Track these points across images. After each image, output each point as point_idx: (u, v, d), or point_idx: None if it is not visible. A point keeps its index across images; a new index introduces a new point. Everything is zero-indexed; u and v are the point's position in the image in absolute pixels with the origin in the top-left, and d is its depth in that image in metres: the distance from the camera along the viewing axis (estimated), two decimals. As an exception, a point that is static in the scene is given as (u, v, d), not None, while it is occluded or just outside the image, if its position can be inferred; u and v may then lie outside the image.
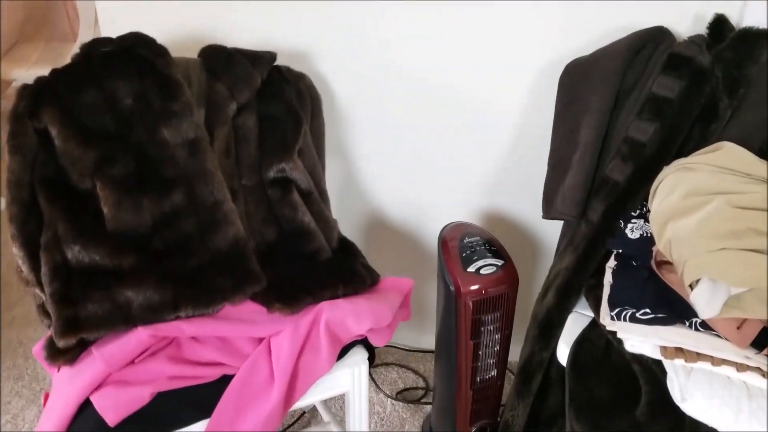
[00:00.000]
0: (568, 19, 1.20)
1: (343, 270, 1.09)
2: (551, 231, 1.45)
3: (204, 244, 1.00)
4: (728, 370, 0.91)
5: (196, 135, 1.04)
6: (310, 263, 1.11)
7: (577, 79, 1.15)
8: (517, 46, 1.25)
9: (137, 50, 1.06)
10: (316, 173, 1.21)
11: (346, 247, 1.18)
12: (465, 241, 1.17)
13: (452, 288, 1.14)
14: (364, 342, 1.05)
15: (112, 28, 1.38)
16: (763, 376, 0.90)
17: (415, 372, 1.66)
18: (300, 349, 0.95)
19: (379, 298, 1.05)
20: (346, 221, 1.50)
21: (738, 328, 0.90)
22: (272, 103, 1.16)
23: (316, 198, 1.16)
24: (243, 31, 1.33)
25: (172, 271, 0.96)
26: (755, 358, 0.89)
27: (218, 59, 1.15)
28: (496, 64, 1.28)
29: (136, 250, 0.95)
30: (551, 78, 1.21)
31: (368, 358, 1.06)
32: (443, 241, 1.20)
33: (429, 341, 1.70)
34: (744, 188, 0.92)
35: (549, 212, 1.18)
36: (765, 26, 1.05)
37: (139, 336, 0.89)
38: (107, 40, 1.08)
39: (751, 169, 0.95)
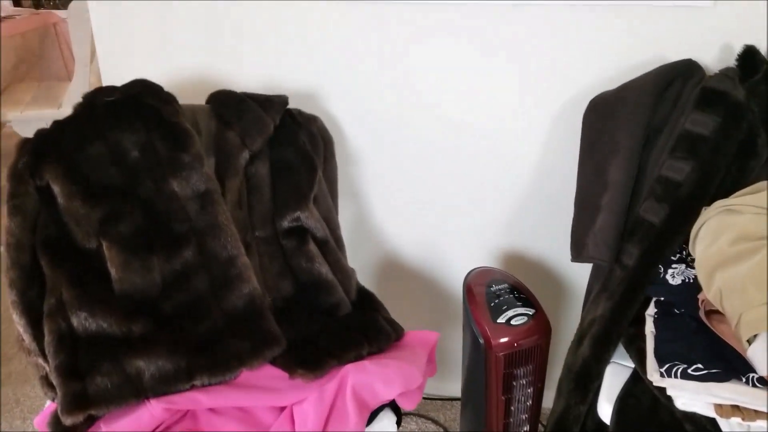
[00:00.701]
0: (591, 53, 1.16)
1: (366, 326, 1.03)
2: (579, 274, 1.39)
3: (218, 304, 0.94)
4: (789, 428, 0.85)
5: (207, 187, 0.98)
6: (330, 319, 1.04)
7: (604, 116, 1.10)
8: (538, 81, 1.21)
9: (144, 99, 1.01)
10: (332, 220, 1.15)
11: (366, 299, 1.12)
12: (492, 288, 1.12)
13: (481, 341, 1.08)
14: (392, 405, 0.98)
15: (112, 71, 1.34)
16: (827, 432, 0.84)
17: (435, 422, 1.58)
18: (326, 417, 0.88)
19: (406, 357, 0.98)
20: (360, 268, 1.44)
21: (798, 382, 0.84)
22: (285, 149, 1.11)
23: (333, 247, 1.10)
24: (250, 72, 1.29)
25: (184, 336, 0.90)
26: (819, 415, 0.83)
27: (228, 105, 1.10)
28: (516, 99, 1.24)
29: (146, 314, 0.89)
30: (575, 114, 1.17)
31: (395, 422, 0.99)
32: (468, 289, 1.14)
33: (448, 388, 1.62)
34: (795, 231, 0.87)
35: (579, 256, 1.12)
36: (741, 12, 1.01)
37: (152, 410, 0.82)
38: (111, 89, 1.03)
39: (798, 210, 0.90)
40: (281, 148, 1.12)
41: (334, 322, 1.04)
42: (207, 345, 0.90)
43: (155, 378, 0.84)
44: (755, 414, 0.87)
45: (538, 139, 1.27)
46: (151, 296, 0.90)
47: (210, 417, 0.85)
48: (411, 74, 1.26)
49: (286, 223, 1.08)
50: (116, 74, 1.34)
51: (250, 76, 1.29)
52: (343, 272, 1.09)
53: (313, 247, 1.07)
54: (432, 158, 1.34)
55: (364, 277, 1.46)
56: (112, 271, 0.89)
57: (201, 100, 1.16)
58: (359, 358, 0.96)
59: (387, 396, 0.92)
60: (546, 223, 1.36)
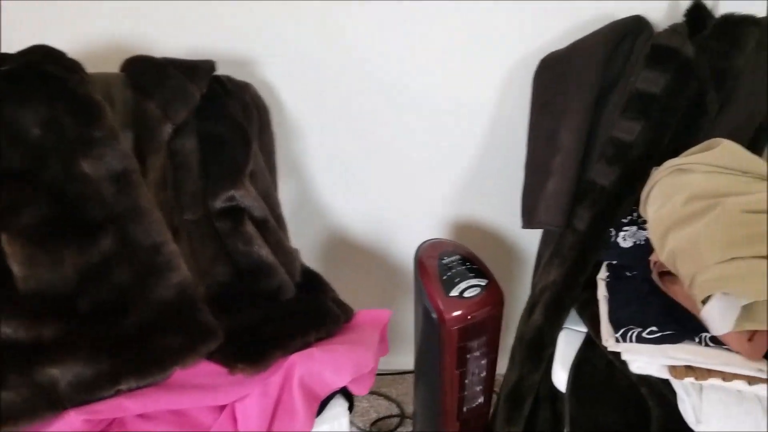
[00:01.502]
0: (539, 11, 1.11)
1: (312, 310, 0.95)
2: (530, 240, 1.36)
3: (144, 297, 0.84)
4: (739, 384, 0.85)
5: (124, 166, 0.87)
6: (273, 304, 0.97)
7: (554, 77, 1.06)
8: (486, 42, 1.15)
9: (44, 67, 0.88)
10: (271, 197, 1.06)
11: (311, 280, 1.04)
12: (444, 261, 1.06)
13: (434, 315, 1.03)
14: (343, 391, 0.92)
15: (11, 39, 1.17)
16: (776, 387, 0.84)
17: (388, 398, 1.54)
18: (272, 413, 0.81)
19: (357, 339, 0.92)
20: (306, 247, 1.36)
21: (749, 340, 0.83)
22: (214, 121, 1.00)
23: (273, 226, 1.02)
24: (171, 36, 1.16)
25: (106, 335, 0.80)
26: (769, 371, 0.83)
27: (146, 73, 0.98)
28: (463, 62, 1.17)
29: (59, 315, 0.78)
30: (525, 75, 1.12)
31: (348, 407, 0.93)
32: (420, 262, 1.08)
33: (400, 362, 1.58)
34: (747, 188, 0.85)
35: (531, 222, 1.08)
36: (742, 11, 0.99)
37: (72, 422, 0.73)
38: (4, 57, 0.89)
39: (749, 167, 0.89)
40: (210, 119, 1.01)
41: (278, 308, 0.96)
42: (133, 344, 0.81)
43: (72, 386, 0.74)
44: (708, 373, 0.87)
45: (487, 104, 1.22)
46: (64, 294, 0.79)
47: (140, 424, 0.77)
48: (355, 39, 1.16)
49: (219, 203, 0.98)
50: (17, 41, 1.18)
51: (171, 41, 1.16)
52: (285, 253, 1.01)
53: (250, 227, 0.98)
54: (378, 127, 1.26)
55: (309, 257, 1.37)
56: (15, 269, 0.78)
57: (114, 68, 1.03)
58: (306, 345, 0.89)
59: (338, 384, 0.86)
60: (497, 191, 1.32)
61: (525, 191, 1.10)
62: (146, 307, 0.83)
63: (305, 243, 1.37)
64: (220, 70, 1.07)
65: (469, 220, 1.37)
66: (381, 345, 1.02)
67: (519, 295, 1.41)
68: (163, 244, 0.87)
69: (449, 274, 1.04)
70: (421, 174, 1.31)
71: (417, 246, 1.13)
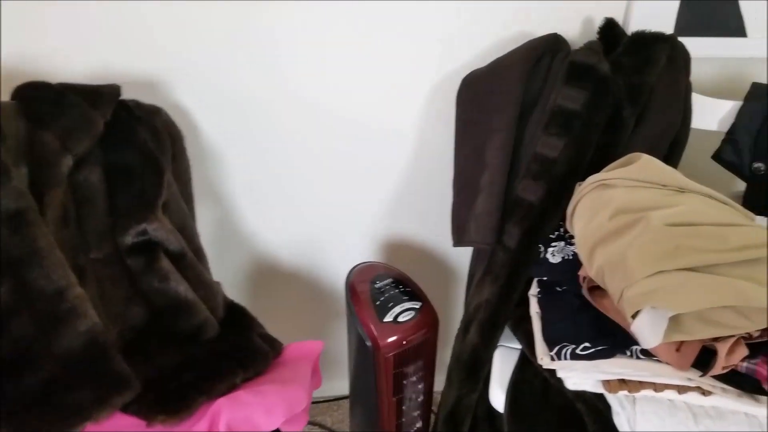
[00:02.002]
0: (458, 32, 1.11)
1: (238, 348, 0.90)
2: (463, 258, 1.36)
3: (48, 349, 0.76)
4: (670, 394, 0.87)
5: (18, 205, 0.79)
6: (194, 346, 0.90)
7: (477, 95, 1.06)
8: (409, 61, 1.13)
9: None
10: (188, 229, 1.00)
11: (236, 315, 0.98)
12: (376, 285, 1.04)
13: (369, 343, 1.00)
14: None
15: None
16: (703, 394, 0.87)
17: (322, 426, 1.50)
18: (197, 467, 0.75)
19: (288, 376, 0.87)
20: (229, 279, 1.29)
21: (677, 350, 0.85)
22: (121, 150, 0.93)
23: (191, 259, 0.95)
24: (70, 59, 1.07)
25: (4, 395, 0.71)
26: (698, 380, 0.85)
27: (42, 101, 0.89)
28: (387, 81, 1.15)
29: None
30: (449, 93, 1.11)
31: (281, 448, 0.88)
32: (351, 288, 1.05)
33: (335, 387, 1.54)
34: (668, 201, 0.88)
35: (461, 240, 1.08)
36: (652, 27, 1.03)
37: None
38: None
39: (666, 180, 0.92)
40: (116, 149, 0.94)
41: (200, 349, 0.90)
42: (37, 401, 0.73)
43: (-36, 460, 0.65)
44: (640, 385, 0.88)
45: (413, 123, 1.21)
46: (-49, 353, 0.70)
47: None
48: (275, 57, 1.12)
49: (129, 239, 0.91)
50: None
51: (70, 64, 1.07)
52: (206, 288, 0.95)
53: (166, 263, 0.92)
54: (302, 150, 1.22)
55: (234, 290, 1.31)
56: None
57: (5, 96, 0.94)
58: (233, 388, 0.83)
59: (269, 427, 0.81)
60: (427, 209, 1.31)
61: (454, 209, 1.10)
62: (51, 360, 0.75)
63: (228, 274, 1.31)
64: (127, 94, 1.00)
65: (401, 240, 1.35)
66: (314, 378, 0.98)
67: (455, 313, 1.41)
68: (67, 289, 0.79)
69: (382, 298, 1.02)
70: (349, 195, 1.28)
71: (348, 271, 1.10)
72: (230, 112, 1.16)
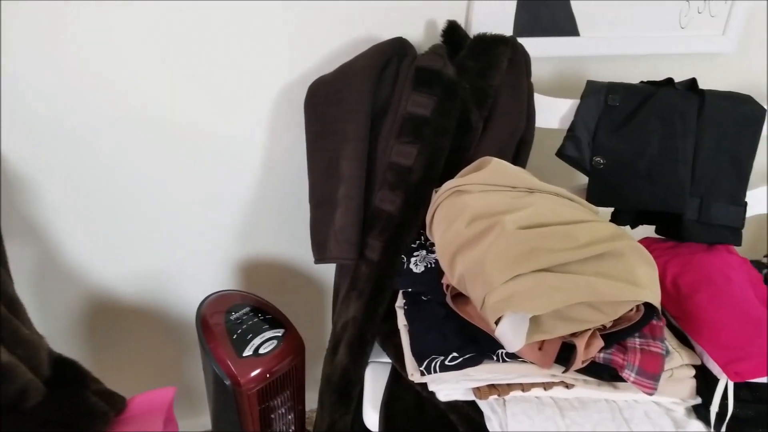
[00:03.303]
0: (298, 37, 1.07)
1: (69, 412, 0.79)
2: (329, 273, 1.32)
3: None
4: (537, 392, 0.91)
5: None
6: (16, 416, 0.77)
7: (325, 104, 1.03)
8: (250, 70, 1.07)
9: None
10: (-2, 276, 0.86)
11: (65, 372, 0.86)
12: (232, 316, 0.97)
13: (228, 382, 0.93)
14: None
15: None
16: (567, 387, 0.91)
17: (191, 467, 1.39)
18: None
19: (134, 436, 0.78)
20: (57, 328, 1.13)
21: (540, 349, 0.89)
22: None
23: (4, 314, 0.82)
24: None
25: None
26: (561, 375, 0.90)
27: None
28: (228, 92, 1.09)
29: None
30: (296, 101, 1.06)
31: None
32: (203, 322, 0.98)
33: (199, 423, 1.44)
34: (518, 204, 0.91)
35: (322, 257, 1.04)
36: (493, 28, 1.06)
37: None
38: None
39: (516, 181, 0.95)
40: None
41: (23, 419, 0.77)
42: None
43: None
44: (508, 387, 0.91)
45: (260, 135, 1.15)
46: None
47: None
48: (97, 65, 0.99)
49: None
50: None
51: None
52: (24, 345, 0.82)
53: (-31, 321, 0.78)
54: (136, 170, 1.10)
55: (64, 341, 1.16)
56: None
57: None
58: (65, 462, 0.72)
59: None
60: (284, 226, 1.25)
61: (313, 225, 1.06)
62: None
63: (58, 322, 1.16)
64: None
65: (259, 263, 1.28)
66: (168, 425, 0.89)
67: (324, 331, 1.37)
68: None
69: (240, 330, 0.96)
70: (196, 218, 1.19)
71: (199, 303, 1.02)
72: (44, 135, 1.02)
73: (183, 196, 1.16)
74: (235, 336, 0.94)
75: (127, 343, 1.27)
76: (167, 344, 1.30)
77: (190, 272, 1.23)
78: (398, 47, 1.02)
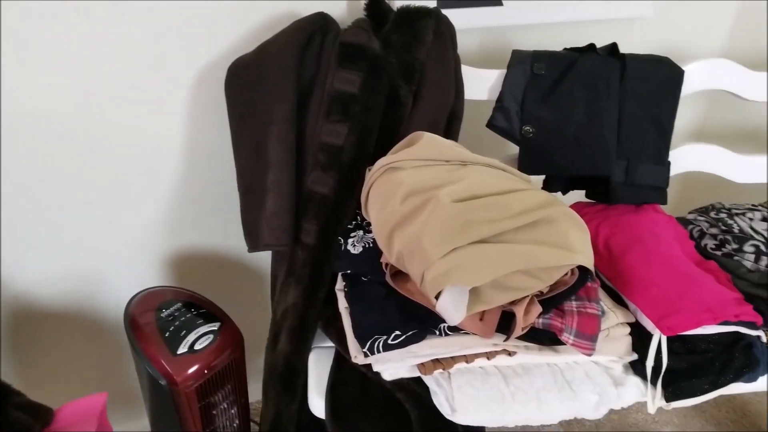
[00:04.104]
0: (215, 13, 1.03)
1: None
2: (266, 261, 1.29)
3: None
4: (481, 362, 0.93)
5: None
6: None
7: (247, 85, 1.00)
8: (164, 54, 1.03)
9: None
10: None
11: (-16, 387, 0.81)
12: (163, 313, 0.94)
13: (163, 382, 0.91)
14: None
15: None
16: (510, 355, 0.94)
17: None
18: None
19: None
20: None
21: (481, 320, 0.91)
22: None
23: None
24: None
25: None
26: (503, 344, 0.92)
27: None
28: (143, 79, 1.04)
29: None
30: (216, 84, 1.03)
31: None
32: (132, 322, 0.94)
33: (138, 426, 1.40)
34: (452, 177, 0.92)
35: (256, 245, 1.02)
36: (415, 1, 1.06)
37: None
38: None
39: (449, 155, 0.96)
40: None
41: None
42: None
43: None
44: (453, 360, 0.93)
45: (180, 122, 1.11)
46: None
47: None
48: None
49: None
50: None
51: None
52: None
53: None
54: (56, 170, 1.05)
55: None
56: None
57: None
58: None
59: None
60: (214, 216, 1.22)
61: (244, 212, 1.03)
62: None
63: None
64: None
65: (192, 256, 1.25)
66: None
67: (266, 321, 1.35)
68: None
69: (172, 328, 0.93)
70: (118, 216, 1.15)
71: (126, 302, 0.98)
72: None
73: (106, 191, 1.12)
74: (168, 333, 0.91)
75: (54, 350, 1.21)
76: (98, 348, 1.25)
77: (116, 272, 1.19)
78: (320, 22, 1.01)
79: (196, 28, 1.03)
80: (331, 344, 1.03)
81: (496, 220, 0.85)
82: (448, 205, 0.85)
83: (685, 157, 1.26)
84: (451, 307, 0.84)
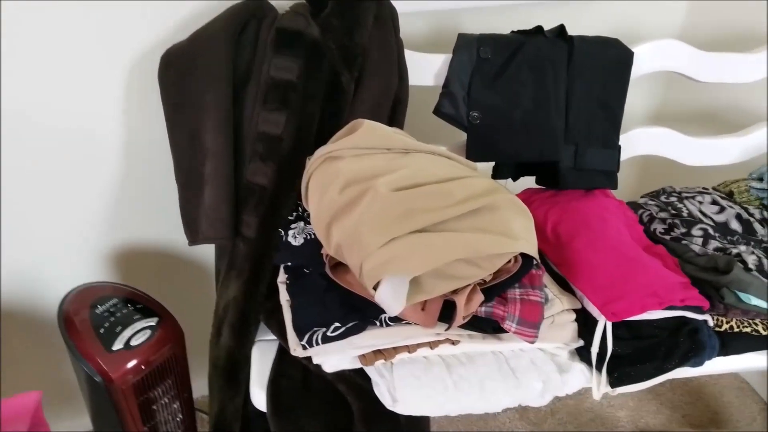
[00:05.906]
0: (149, 1, 1.02)
1: None
2: (208, 254, 1.30)
3: None
4: (424, 351, 0.96)
5: None
6: None
7: (180, 73, 1.00)
8: (95, 43, 1.02)
9: None
10: None
11: None
12: (98, 310, 0.95)
13: (99, 379, 0.92)
14: None
15: None
16: (453, 344, 0.96)
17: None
18: None
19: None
20: None
21: (422, 309, 0.93)
22: None
23: None
24: None
25: None
26: (445, 333, 0.94)
27: None
28: (72, 69, 1.03)
29: None
30: (150, 73, 1.03)
31: None
32: (66, 319, 0.95)
33: (80, 424, 1.40)
34: (393, 166, 0.93)
35: (195, 239, 1.04)
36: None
37: None
38: None
39: (391, 143, 0.98)
40: None
41: None
42: None
43: None
44: (395, 351, 0.95)
45: (114, 113, 1.11)
46: None
47: None
48: None
49: None
50: None
51: None
52: None
53: None
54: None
55: None
56: None
57: None
58: None
59: None
60: (153, 211, 1.22)
61: (182, 205, 1.04)
62: None
63: None
64: None
65: (131, 251, 1.25)
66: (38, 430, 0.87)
67: (210, 315, 1.36)
68: None
69: (107, 324, 0.94)
70: (60, 208, 1.15)
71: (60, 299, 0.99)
72: None
73: (41, 186, 1.12)
74: (103, 330, 0.92)
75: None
76: (36, 347, 1.25)
77: (56, 268, 1.19)
78: (256, 8, 1.01)
79: (130, 16, 1.03)
80: (274, 337, 1.04)
81: (437, 209, 0.86)
82: (386, 195, 0.87)
83: (637, 141, 1.28)
84: (390, 298, 0.86)
